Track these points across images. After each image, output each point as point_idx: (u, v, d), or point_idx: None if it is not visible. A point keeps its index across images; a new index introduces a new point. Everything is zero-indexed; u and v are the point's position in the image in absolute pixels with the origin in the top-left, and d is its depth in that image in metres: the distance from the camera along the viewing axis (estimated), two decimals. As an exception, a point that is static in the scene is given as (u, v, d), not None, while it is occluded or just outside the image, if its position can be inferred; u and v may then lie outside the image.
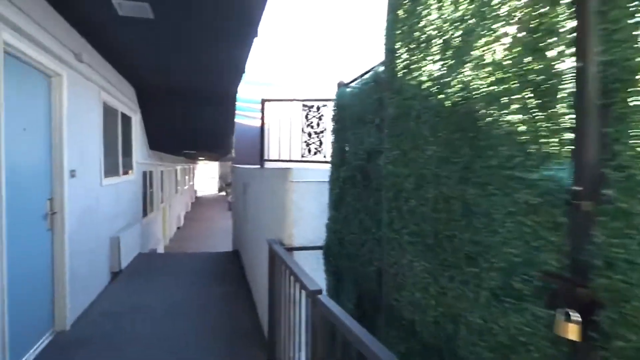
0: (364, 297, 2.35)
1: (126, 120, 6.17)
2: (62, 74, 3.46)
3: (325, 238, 2.68)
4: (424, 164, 1.61)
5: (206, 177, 49.99)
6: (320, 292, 1.72)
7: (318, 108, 3.89)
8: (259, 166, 4.20)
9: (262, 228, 3.70)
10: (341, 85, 2.64)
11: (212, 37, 4.03)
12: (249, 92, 10.65)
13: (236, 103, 7.21)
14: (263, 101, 3.96)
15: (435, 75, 1.50)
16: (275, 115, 4.04)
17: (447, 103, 1.43)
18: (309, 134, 3.93)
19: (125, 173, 5.96)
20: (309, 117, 3.93)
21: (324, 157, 3.91)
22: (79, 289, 3.80)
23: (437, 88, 1.49)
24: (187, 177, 20.21)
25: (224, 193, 32.95)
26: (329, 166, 2.83)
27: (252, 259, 4.68)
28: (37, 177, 3.14)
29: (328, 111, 3.95)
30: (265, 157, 3.95)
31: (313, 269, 2.57)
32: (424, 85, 1.58)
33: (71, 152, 3.61)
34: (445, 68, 1.44)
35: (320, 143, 3.88)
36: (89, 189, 4.14)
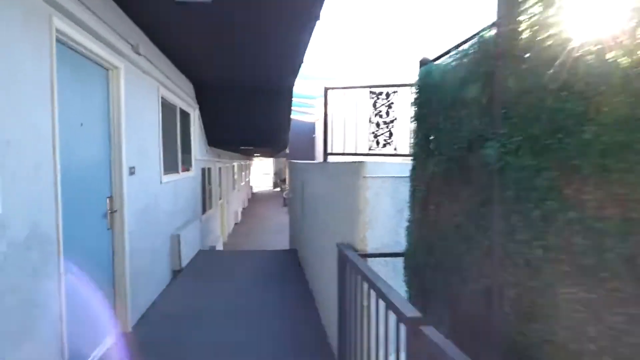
0: (460, 321, 1.90)
1: (185, 116, 6.11)
2: (120, 66, 3.32)
3: (406, 244, 2.25)
4: (576, 152, 1.13)
5: (261, 173, 51.23)
6: (422, 321, 1.31)
7: (387, 95, 3.45)
8: (320, 161, 3.84)
9: (326, 228, 3.35)
10: (425, 63, 2.18)
11: (271, 20, 3.73)
12: (303, 88, 10.38)
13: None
14: (326, 89, 3.59)
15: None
16: (338, 105, 3.65)
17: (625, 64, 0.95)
18: (377, 124, 3.50)
19: (185, 170, 5.90)
20: (377, 105, 3.50)
21: (394, 149, 3.47)
22: (140, 288, 3.69)
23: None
24: (243, 174, 20.57)
25: (278, 189, 33.37)
26: (400, 160, 2.42)
27: (313, 260, 4.36)
28: (97, 175, 3.01)
29: (399, 99, 3.50)
30: (329, 151, 3.57)
31: (389, 278, 2.16)
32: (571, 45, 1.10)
33: (130, 149, 3.48)
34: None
35: (390, 134, 3.44)
36: (149, 186, 4.03)
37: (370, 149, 3.52)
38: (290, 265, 5.91)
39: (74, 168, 2.64)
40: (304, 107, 22.92)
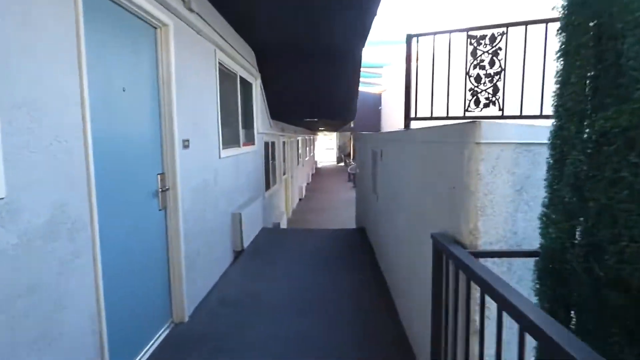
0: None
1: (246, 86, 5.70)
2: (169, 23, 2.89)
3: (541, 239, 1.56)
4: None
5: (324, 148, 51.08)
6: None
7: (493, 39, 2.66)
8: (399, 129, 3.16)
9: (409, 210, 2.72)
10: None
11: None
12: (367, 55, 9.52)
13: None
14: (410, 37, 2.87)
15: None
16: (424, 57, 2.94)
17: None
18: (477, 78, 2.74)
19: (247, 144, 5.54)
20: (477, 53, 2.72)
21: (500, 110, 2.70)
22: (198, 273, 3.38)
23: None
24: (308, 149, 20.30)
25: (342, 164, 32.91)
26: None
27: (388, 246, 3.76)
28: (144, 148, 2.65)
29: (508, 43, 2.70)
30: (412, 115, 2.89)
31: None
32: None
33: (183, 120, 3.09)
34: None
35: (495, 90, 2.67)
36: (206, 161, 3.66)
37: (467, 110, 2.79)
38: (359, 246, 5.37)
39: (115, 140, 2.27)
40: (369, 78, 21.82)
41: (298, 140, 14.41)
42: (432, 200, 2.15)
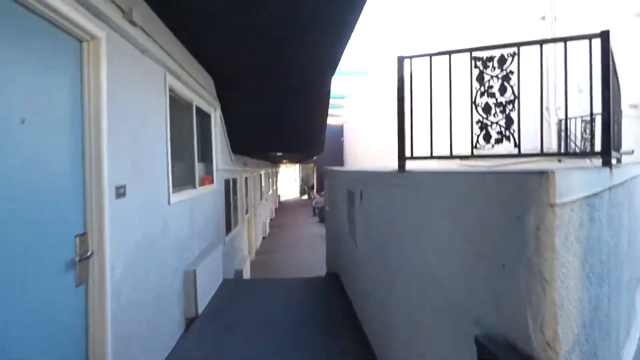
0: None
1: (204, 117, 5.04)
2: (100, 36, 2.23)
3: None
4: None
5: (287, 180, 50.28)
6: None
7: (503, 61, 2.21)
8: (390, 169, 2.59)
9: (417, 279, 2.12)
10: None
11: None
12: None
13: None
14: (401, 59, 2.38)
15: None
16: (416, 83, 2.45)
17: None
18: (485, 108, 2.25)
19: (205, 183, 4.81)
20: (484, 78, 2.25)
21: (516, 146, 2.22)
22: (133, 357, 2.56)
23: None
24: (271, 181, 19.57)
25: (306, 196, 32.31)
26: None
27: (378, 312, 3.11)
28: (54, 203, 1.90)
29: (526, 63, 2.26)
30: (408, 154, 2.34)
31: None
32: None
33: (117, 160, 2.37)
34: None
35: (509, 122, 2.19)
36: (150, 210, 2.91)
37: (476, 147, 2.28)
38: (334, 300, 4.68)
39: (3, 191, 1.54)
40: (331, 109, 21.84)
41: (261, 174, 13.71)
42: (461, 277, 1.56)
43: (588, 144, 5.40)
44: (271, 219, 17.85)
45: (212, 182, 5.24)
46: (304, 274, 8.83)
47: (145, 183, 2.83)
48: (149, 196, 2.89)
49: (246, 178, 9.30)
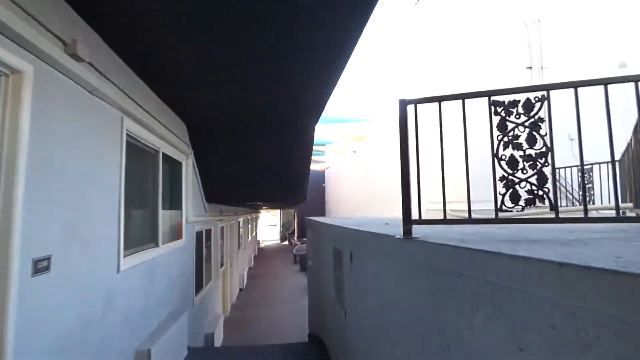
0: None
1: (174, 166, 4.53)
2: (24, 70, 1.75)
3: None
4: None
5: (267, 225, 49.03)
6: None
7: (530, 106, 1.83)
8: (394, 235, 2.09)
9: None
10: None
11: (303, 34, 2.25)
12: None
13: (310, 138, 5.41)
14: (403, 103, 1.96)
15: None
16: (421, 132, 2.02)
17: None
18: (511, 162, 1.83)
19: (170, 240, 4.21)
20: (508, 126, 1.85)
21: (553, 209, 1.79)
22: None
23: None
24: (250, 227, 18.79)
25: (286, 242, 31.38)
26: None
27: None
28: None
29: (558, 107, 1.90)
30: (415, 218, 1.86)
31: None
32: None
33: (41, 220, 1.82)
34: None
35: (542, 179, 1.78)
36: (89, 284, 2.31)
37: (502, 209, 1.83)
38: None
39: None
40: (313, 155, 21.64)
41: (239, 222, 13.03)
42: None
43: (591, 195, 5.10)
44: (249, 268, 16.91)
45: (180, 237, 4.64)
46: (285, 334, 8.03)
47: (85, 249, 2.25)
48: (89, 265, 2.30)
49: (222, 228, 8.65)
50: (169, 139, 3.97)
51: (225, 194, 6.67)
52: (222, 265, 8.35)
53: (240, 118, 4.65)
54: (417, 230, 1.91)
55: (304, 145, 5.22)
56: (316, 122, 4.87)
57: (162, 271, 3.79)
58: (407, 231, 1.82)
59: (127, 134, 2.87)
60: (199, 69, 3.22)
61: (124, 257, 2.77)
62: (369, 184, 15.30)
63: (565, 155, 6.20)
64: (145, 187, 3.53)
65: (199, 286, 5.69)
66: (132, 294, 2.96)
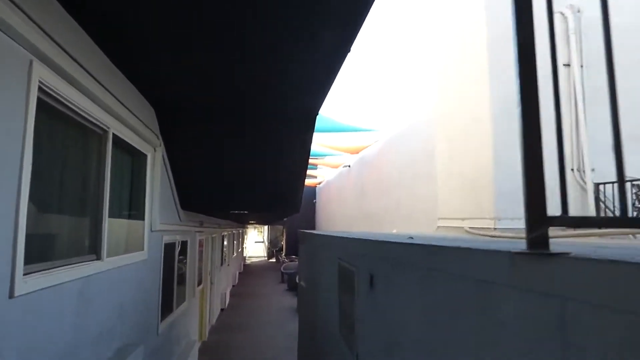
0: None
1: (133, 157, 3.58)
2: None
3: None
4: None
5: (253, 241, 47.65)
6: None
7: None
8: (515, 249, 1.16)
9: None
10: None
11: None
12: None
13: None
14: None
15: None
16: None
17: None
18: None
19: (125, 251, 3.23)
20: None
21: None
22: None
23: None
24: (235, 243, 17.65)
25: (274, 260, 30.12)
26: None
27: None
28: None
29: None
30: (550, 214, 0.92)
31: None
32: None
33: None
34: None
35: None
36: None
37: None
38: None
39: None
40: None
41: (223, 236, 11.96)
42: None
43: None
44: (233, 286, 15.72)
45: (141, 248, 3.65)
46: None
47: None
48: None
49: (202, 240, 7.62)
50: (125, 119, 3.03)
51: (206, 201, 5.69)
52: (200, 283, 7.28)
53: (225, 107, 3.74)
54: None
55: (302, 143, 4.32)
56: (317, 113, 3.97)
57: (106, 293, 2.79)
58: (539, 240, 0.88)
59: (42, 89, 1.92)
60: (167, 33, 2.33)
61: (25, 275, 1.78)
62: (363, 201, 14.41)
63: (607, 168, 5.40)
64: (84, 177, 2.57)
65: (167, 309, 4.65)
66: (40, 329, 1.96)
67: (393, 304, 1.87)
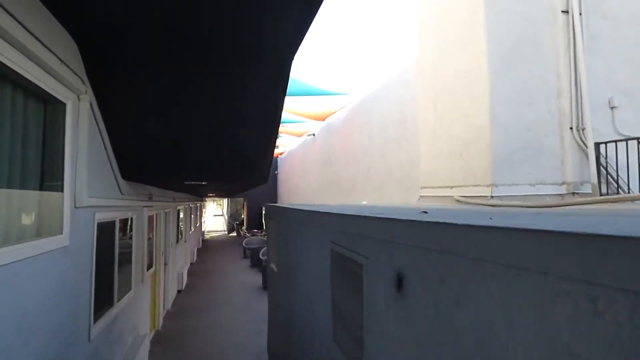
0: None
1: (42, 103, 2.56)
2: None
3: None
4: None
5: (212, 214, 46.04)
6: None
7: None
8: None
9: None
10: None
11: None
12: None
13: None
14: None
15: None
16: None
17: None
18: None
19: (31, 237, 2.27)
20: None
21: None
22: None
23: None
24: (193, 217, 16.49)
25: (234, 234, 29.14)
26: None
27: None
28: None
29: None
30: None
31: None
32: None
33: None
34: None
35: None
36: None
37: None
38: None
39: None
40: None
41: (179, 210, 10.86)
42: None
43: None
44: (192, 264, 14.72)
45: (59, 231, 2.67)
46: (235, 354, 6.23)
47: None
48: None
49: (154, 216, 6.59)
50: (28, 48, 2.00)
51: (154, 170, 4.66)
52: (151, 266, 6.31)
53: (178, 39, 2.75)
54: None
55: (273, 93, 3.40)
56: (296, 49, 3.05)
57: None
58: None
59: None
60: None
61: None
62: (329, 171, 13.71)
63: (605, 126, 4.88)
64: None
65: (104, 306, 3.72)
66: None
67: (448, 319, 1.13)
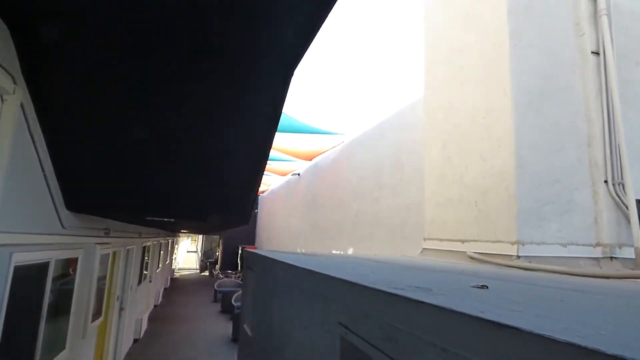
0: None
1: None
2: None
3: None
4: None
5: (185, 250, 43.78)
6: None
7: None
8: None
9: None
10: None
11: None
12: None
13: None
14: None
15: None
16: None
17: None
18: None
19: None
20: None
21: None
22: None
23: None
24: (162, 255, 15.18)
25: (207, 273, 27.45)
26: None
27: None
28: None
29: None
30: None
31: None
32: None
33: None
34: None
35: None
36: None
37: None
38: None
39: None
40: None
41: (145, 247, 9.76)
42: None
43: None
44: (155, 306, 13.32)
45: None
46: None
47: None
48: None
49: (112, 255, 5.61)
50: None
51: (108, 200, 3.80)
52: (99, 315, 5.25)
53: (144, 30, 2.07)
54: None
55: (266, 114, 2.70)
56: (297, 63, 2.39)
57: None
58: None
59: None
60: None
61: None
62: (313, 215, 12.92)
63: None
64: None
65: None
66: None
67: None
